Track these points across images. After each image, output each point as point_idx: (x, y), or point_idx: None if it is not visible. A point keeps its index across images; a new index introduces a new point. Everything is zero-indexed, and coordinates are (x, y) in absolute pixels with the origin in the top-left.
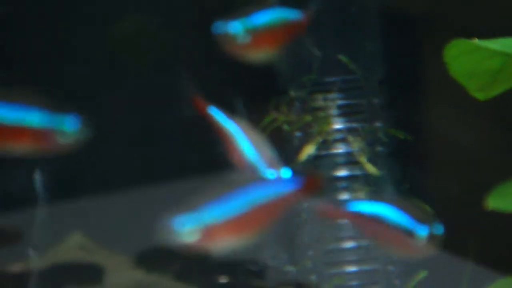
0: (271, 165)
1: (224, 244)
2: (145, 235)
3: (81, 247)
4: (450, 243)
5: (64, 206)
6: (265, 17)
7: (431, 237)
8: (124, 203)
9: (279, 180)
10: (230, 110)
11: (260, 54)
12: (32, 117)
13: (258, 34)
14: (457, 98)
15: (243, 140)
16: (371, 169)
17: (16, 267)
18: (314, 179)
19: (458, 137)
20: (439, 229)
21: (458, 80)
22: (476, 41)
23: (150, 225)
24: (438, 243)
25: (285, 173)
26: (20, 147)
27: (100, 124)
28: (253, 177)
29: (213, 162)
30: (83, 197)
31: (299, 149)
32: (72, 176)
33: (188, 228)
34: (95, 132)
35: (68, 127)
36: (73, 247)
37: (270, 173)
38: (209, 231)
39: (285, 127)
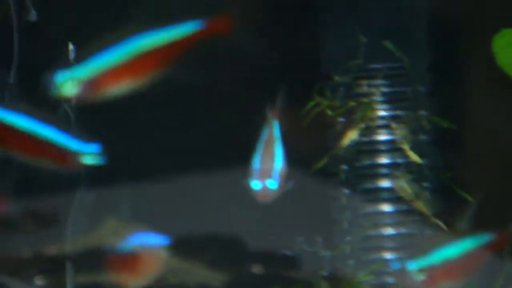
0: (261, 176)
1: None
2: (181, 222)
3: (116, 233)
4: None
5: (101, 191)
6: (109, 57)
7: None
8: (160, 190)
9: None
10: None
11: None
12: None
13: (97, 79)
14: (501, 88)
15: (258, 149)
16: (413, 156)
17: (51, 250)
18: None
19: (501, 127)
20: None
21: (505, 70)
22: None
23: (184, 212)
24: None
25: (272, 184)
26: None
27: (138, 111)
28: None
29: (250, 154)
30: (120, 183)
31: (342, 134)
32: (109, 162)
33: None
34: (133, 120)
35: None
36: (108, 233)
37: (256, 184)
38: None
39: (329, 112)
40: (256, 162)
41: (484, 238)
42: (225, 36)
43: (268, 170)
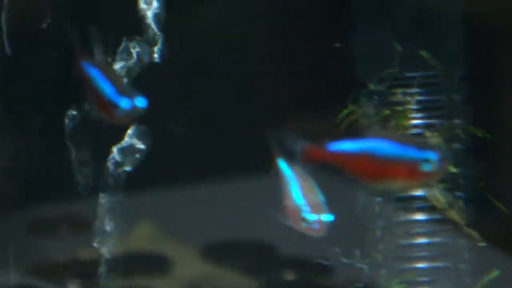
0: (314, 210)
1: None
2: (215, 228)
3: (150, 238)
4: None
5: (135, 196)
6: None
7: None
8: (195, 196)
9: None
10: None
11: None
12: None
13: None
14: None
15: (294, 185)
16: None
17: (85, 254)
18: None
19: None
20: None
21: None
22: None
23: (220, 219)
24: None
25: (327, 217)
26: None
27: (172, 116)
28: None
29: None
30: (155, 188)
31: None
32: (144, 167)
33: None
34: (169, 125)
35: None
36: (142, 237)
37: (312, 217)
38: None
39: (363, 120)
40: (298, 197)
41: None
42: None
43: (318, 205)
